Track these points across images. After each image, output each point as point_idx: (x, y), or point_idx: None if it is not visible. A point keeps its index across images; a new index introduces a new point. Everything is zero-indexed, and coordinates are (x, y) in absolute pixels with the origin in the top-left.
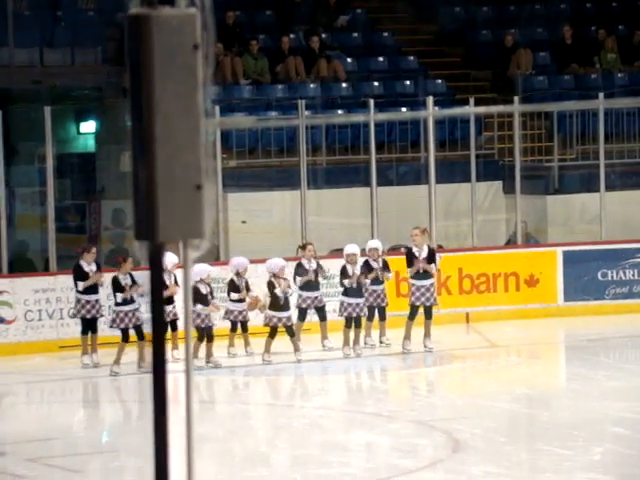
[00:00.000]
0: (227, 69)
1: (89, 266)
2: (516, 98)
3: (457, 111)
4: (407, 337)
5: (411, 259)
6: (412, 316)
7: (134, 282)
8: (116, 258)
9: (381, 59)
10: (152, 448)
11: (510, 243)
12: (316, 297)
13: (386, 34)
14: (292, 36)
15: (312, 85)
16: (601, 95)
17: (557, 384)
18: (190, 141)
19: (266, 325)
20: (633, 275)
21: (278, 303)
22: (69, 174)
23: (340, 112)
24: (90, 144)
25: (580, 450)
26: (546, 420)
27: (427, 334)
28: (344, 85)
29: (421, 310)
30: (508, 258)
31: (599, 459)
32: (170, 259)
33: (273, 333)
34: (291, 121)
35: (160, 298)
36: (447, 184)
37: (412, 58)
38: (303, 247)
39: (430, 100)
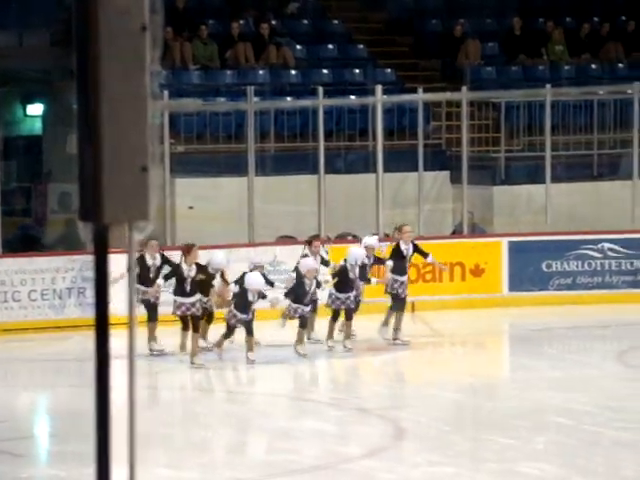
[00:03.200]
0: (176, 54)
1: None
2: (464, 87)
3: (405, 98)
4: (385, 324)
5: (398, 256)
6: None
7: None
8: (181, 248)
9: (330, 47)
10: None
11: (456, 233)
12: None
13: (336, 22)
14: (242, 22)
15: (261, 71)
16: (548, 86)
17: (501, 374)
18: (136, 123)
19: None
20: (577, 266)
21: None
22: (15, 157)
23: (289, 99)
24: (37, 127)
25: (523, 440)
26: (490, 410)
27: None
28: (293, 72)
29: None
30: (454, 248)
31: (542, 449)
32: (218, 260)
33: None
34: (239, 107)
35: (104, 281)
36: (395, 173)
37: (362, 46)
38: (309, 242)
39: (379, 88)
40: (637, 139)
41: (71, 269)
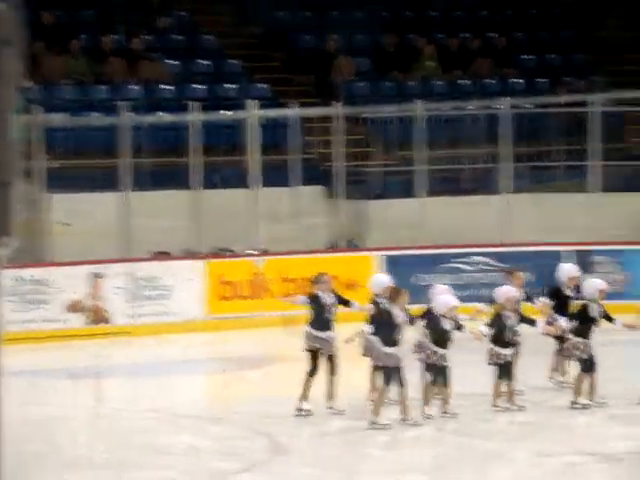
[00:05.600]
0: (48, 69)
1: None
2: (338, 103)
3: (279, 112)
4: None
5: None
6: None
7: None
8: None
9: (204, 62)
10: None
11: (332, 247)
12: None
13: (209, 37)
14: (114, 36)
15: (135, 86)
16: (419, 102)
17: None
18: None
19: None
20: (449, 280)
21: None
22: None
23: (162, 114)
24: None
25: (389, 453)
26: (366, 424)
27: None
28: (167, 87)
29: None
30: (329, 262)
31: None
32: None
33: None
34: (112, 122)
35: None
36: (269, 187)
37: (235, 61)
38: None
39: (251, 103)
40: (509, 153)
41: None
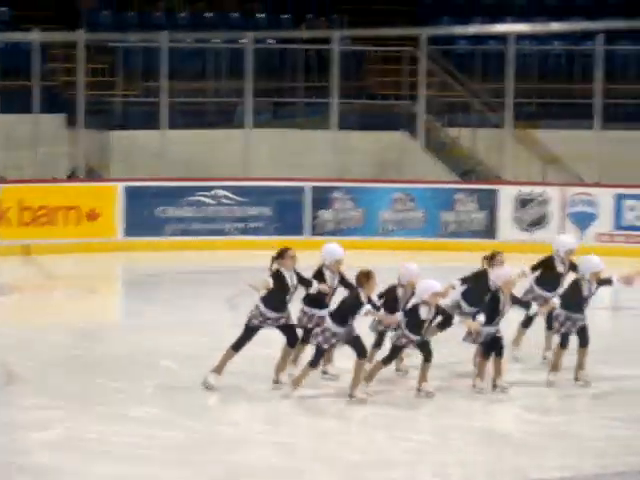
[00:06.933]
0: None
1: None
2: (81, 30)
3: (18, 36)
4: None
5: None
6: None
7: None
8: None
9: None
10: None
11: (72, 177)
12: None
13: None
14: None
15: None
16: (164, 32)
17: (113, 318)
18: None
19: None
20: (191, 212)
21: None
22: None
23: None
24: None
25: (133, 383)
26: (100, 354)
27: None
28: None
29: None
30: (69, 191)
31: (150, 392)
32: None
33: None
34: None
35: None
36: (8, 114)
37: None
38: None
39: None
40: (251, 88)
41: None
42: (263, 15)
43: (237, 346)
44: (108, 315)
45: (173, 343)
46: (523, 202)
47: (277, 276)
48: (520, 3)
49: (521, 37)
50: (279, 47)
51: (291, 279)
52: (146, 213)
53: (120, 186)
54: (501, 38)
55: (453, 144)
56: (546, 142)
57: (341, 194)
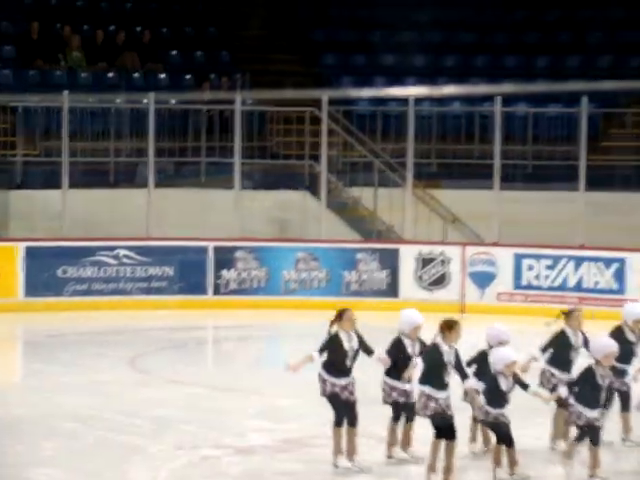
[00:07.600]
0: None
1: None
2: None
3: None
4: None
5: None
6: None
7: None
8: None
9: None
10: None
11: None
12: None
13: None
14: None
15: None
16: (65, 92)
17: (13, 379)
18: None
19: None
20: (92, 273)
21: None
22: None
23: None
24: None
25: (32, 445)
26: (0, 416)
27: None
28: None
29: None
30: None
31: (50, 454)
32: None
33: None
34: None
35: None
36: None
37: None
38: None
39: None
40: (152, 148)
41: None
42: (164, 75)
43: (338, 422)
44: (8, 376)
45: (74, 404)
46: (424, 261)
47: (334, 340)
48: (420, 65)
49: (421, 99)
50: (181, 107)
51: (349, 341)
52: (47, 273)
53: (20, 246)
54: (401, 100)
55: (355, 203)
56: (446, 202)
57: (244, 253)
